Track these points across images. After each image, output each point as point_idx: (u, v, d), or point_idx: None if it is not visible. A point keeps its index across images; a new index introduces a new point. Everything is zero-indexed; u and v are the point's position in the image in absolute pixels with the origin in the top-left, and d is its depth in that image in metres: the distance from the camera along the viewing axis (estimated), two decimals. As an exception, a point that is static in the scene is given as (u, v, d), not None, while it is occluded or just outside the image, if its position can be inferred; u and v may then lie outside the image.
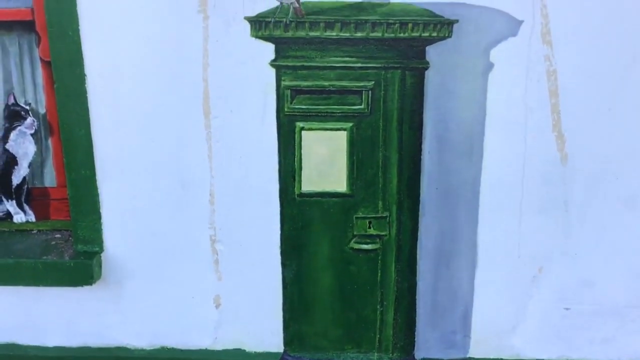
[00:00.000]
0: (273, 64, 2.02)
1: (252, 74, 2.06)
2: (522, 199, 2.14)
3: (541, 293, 2.23)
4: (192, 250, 2.25)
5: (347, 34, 1.95)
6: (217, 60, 2.05)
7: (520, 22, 1.98)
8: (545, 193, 2.13)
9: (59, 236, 2.38)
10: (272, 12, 1.95)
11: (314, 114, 2.06)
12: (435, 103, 2.06)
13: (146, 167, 2.18)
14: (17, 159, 2.34)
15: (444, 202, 2.15)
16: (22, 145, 2.34)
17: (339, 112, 2.05)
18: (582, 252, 2.19)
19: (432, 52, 2.00)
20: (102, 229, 2.24)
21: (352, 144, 2.07)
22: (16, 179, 2.36)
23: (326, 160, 2.10)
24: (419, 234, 2.17)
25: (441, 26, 1.94)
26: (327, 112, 2.05)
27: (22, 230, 2.41)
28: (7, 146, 2.32)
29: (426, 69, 2.01)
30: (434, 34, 1.95)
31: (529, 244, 2.19)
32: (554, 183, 2.12)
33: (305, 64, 2.01)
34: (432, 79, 2.03)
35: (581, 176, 2.12)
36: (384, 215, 2.14)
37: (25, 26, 2.23)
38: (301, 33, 1.97)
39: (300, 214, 2.15)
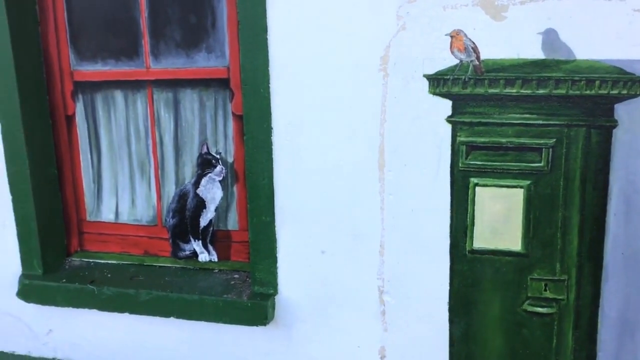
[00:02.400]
0: (449, 119, 2.05)
1: (428, 129, 2.09)
2: None
3: None
4: (360, 300, 2.29)
5: (529, 91, 1.93)
6: (395, 116, 2.12)
7: None
8: None
9: (237, 276, 2.54)
10: (451, 69, 1.99)
11: (489, 170, 2.04)
12: (623, 163, 1.94)
13: (321, 216, 2.27)
14: (206, 202, 2.55)
15: (630, 268, 2.00)
16: (211, 191, 2.55)
17: (516, 169, 2.02)
18: None
19: (621, 110, 1.90)
20: (277, 273, 2.36)
21: (529, 202, 2.03)
22: (203, 221, 2.58)
23: (500, 218, 2.07)
24: (600, 300, 2.04)
25: (632, 84, 1.85)
26: (503, 168, 2.03)
27: (205, 268, 2.61)
28: (198, 191, 2.54)
29: (614, 127, 1.92)
30: (624, 92, 1.86)
31: None
32: None
33: (483, 120, 2.01)
34: (620, 138, 1.92)
35: None
36: (562, 278, 2.04)
37: (221, 83, 2.47)
38: (480, 90, 1.98)
39: (471, 270, 2.12)
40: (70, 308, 2.58)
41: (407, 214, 2.18)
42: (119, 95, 2.61)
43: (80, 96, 2.64)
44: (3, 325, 2.77)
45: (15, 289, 2.64)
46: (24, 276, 2.63)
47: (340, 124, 2.18)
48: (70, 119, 2.65)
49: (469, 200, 2.08)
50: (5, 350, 2.81)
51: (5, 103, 2.45)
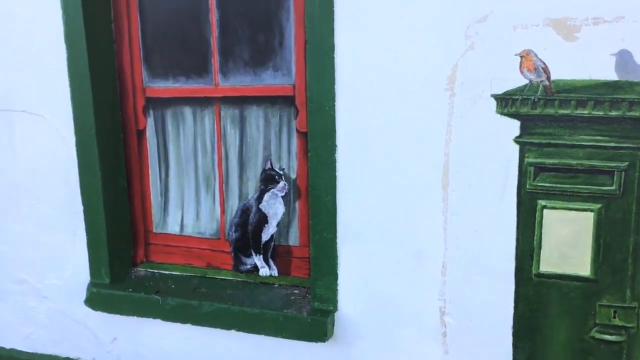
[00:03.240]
0: (517, 140, 2.02)
1: (494, 150, 2.07)
2: None
3: None
4: (420, 320, 2.27)
5: (601, 113, 1.89)
6: (460, 136, 2.11)
7: None
8: None
9: (297, 292, 2.56)
10: (520, 89, 1.97)
11: (557, 192, 2.01)
12: (701, 188, 1.88)
13: (382, 234, 2.27)
14: (268, 218, 2.59)
15: None
16: (273, 206, 2.59)
17: (586, 192, 1.97)
18: None
19: (700, 133, 1.85)
20: (337, 290, 2.37)
21: (598, 226, 1.98)
22: (265, 236, 2.61)
23: (568, 242, 2.02)
24: (673, 330, 1.97)
25: None
26: (572, 191, 1.99)
27: (266, 283, 2.64)
28: (261, 206, 2.58)
29: (691, 151, 1.86)
30: (702, 114, 1.81)
31: None
32: None
33: (552, 141, 1.98)
34: (697, 162, 1.86)
35: None
36: (632, 305, 1.98)
37: (286, 100, 2.52)
38: (549, 110, 1.96)
39: (537, 295, 2.08)
40: (135, 317, 2.66)
41: (471, 235, 2.16)
42: (188, 111, 2.69)
43: (151, 111, 2.73)
44: (70, 331, 2.87)
45: (83, 296, 2.74)
46: (92, 284, 2.73)
47: (404, 142, 2.18)
48: (141, 133, 2.74)
49: (536, 222, 2.04)
50: (72, 356, 2.91)
51: (81, 117, 2.56)
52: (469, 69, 2.05)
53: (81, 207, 2.68)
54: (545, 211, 2.03)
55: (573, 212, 2.00)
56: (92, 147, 2.58)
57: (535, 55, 1.94)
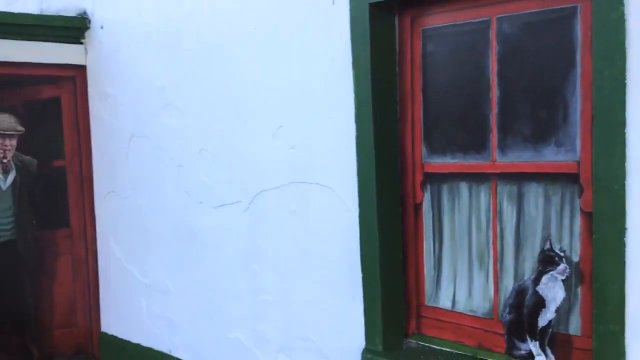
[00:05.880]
0: None
1: None
2: None
3: None
4: None
5: None
6: None
7: None
8: None
9: (576, 387, 2.33)
10: None
11: None
12: None
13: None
14: (546, 302, 2.41)
15: None
16: (552, 290, 2.41)
17: None
18: None
19: None
20: (625, 392, 2.09)
21: None
22: (542, 322, 2.43)
23: None
24: None
25: None
26: None
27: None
28: (538, 288, 2.43)
29: None
30: None
31: None
32: None
33: None
34: None
35: None
36: None
37: (569, 178, 2.37)
38: None
39: None
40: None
41: None
42: (463, 186, 2.70)
43: (428, 186, 2.81)
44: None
45: (358, 360, 2.87)
46: (366, 350, 2.83)
47: None
48: (417, 207, 2.83)
49: None
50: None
51: (365, 191, 2.75)
52: None
53: (360, 275, 2.84)
54: None
55: None
56: (373, 219, 2.74)
57: None
